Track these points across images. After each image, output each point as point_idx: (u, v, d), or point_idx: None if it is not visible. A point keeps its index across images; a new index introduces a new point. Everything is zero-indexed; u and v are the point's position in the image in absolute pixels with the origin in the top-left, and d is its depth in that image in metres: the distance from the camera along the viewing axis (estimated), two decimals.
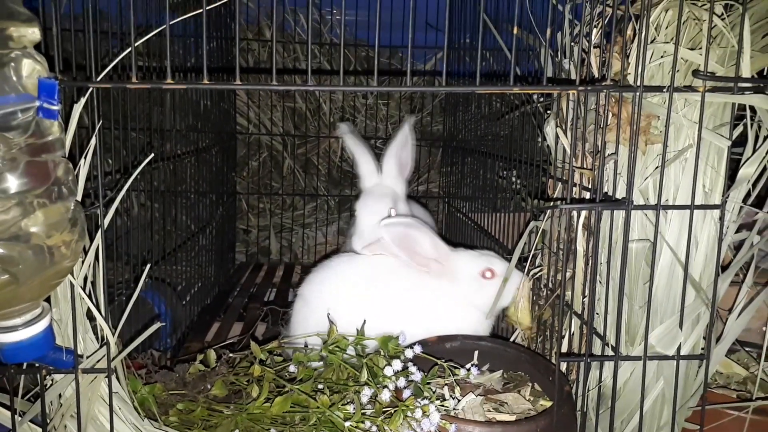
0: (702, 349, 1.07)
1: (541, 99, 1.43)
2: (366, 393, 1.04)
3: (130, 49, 0.89)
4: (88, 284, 0.99)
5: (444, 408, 1.05)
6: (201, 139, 1.91)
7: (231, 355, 1.24)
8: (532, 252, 1.34)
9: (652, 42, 1.06)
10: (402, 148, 1.63)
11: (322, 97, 2.51)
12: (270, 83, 0.91)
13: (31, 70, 0.78)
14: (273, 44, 0.87)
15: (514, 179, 1.75)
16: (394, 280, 1.39)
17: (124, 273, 1.33)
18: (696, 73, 0.95)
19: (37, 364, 0.96)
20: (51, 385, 1.00)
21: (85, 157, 0.93)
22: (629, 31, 1.07)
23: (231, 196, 2.45)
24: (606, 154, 1.04)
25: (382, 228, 1.31)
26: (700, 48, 1.02)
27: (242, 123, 2.51)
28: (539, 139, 1.56)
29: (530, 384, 1.23)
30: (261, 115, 2.51)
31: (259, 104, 2.50)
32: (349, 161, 2.57)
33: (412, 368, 1.11)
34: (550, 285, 1.28)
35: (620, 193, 1.08)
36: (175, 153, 1.65)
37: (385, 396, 1.01)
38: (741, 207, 1.04)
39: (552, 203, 1.17)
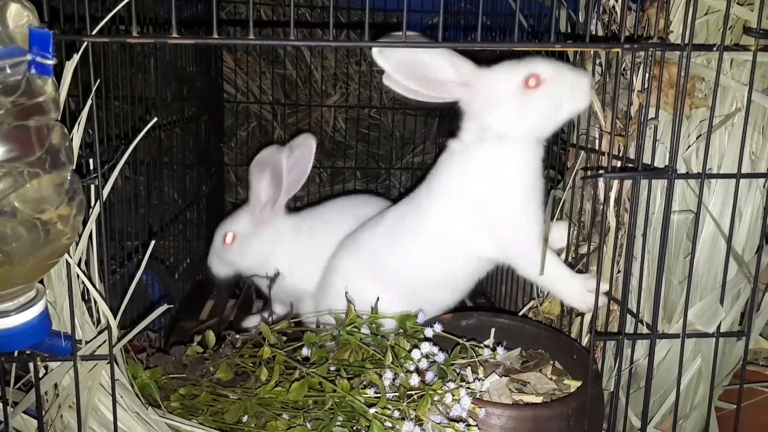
0: (740, 325, 1.02)
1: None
2: (388, 376, 0.98)
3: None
4: (83, 263, 0.90)
5: (471, 391, 0.99)
6: (186, 107, 1.79)
7: (237, 336, 1.16)
8: (553, 223, 1.27)
9: None
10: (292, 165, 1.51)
11: (314, 64, 2.40)
12: (288, 38, 0.82)
13: (20, 17, 0.67)
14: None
15: None
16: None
17: (117, 250, 1.23)
18: (748, 30, 0.89)
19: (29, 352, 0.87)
20: (45, 373, 0.91)
21: (79, 123, 0.84)
22: None
23: (219, 167, 2.34)
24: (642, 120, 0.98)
25: (376, 56, 1.00)
26: (749, 4, 0.95)
27: (229, 90, 2.39)
28: None
29: (551, 362, 1.18)
30: (249, 83, 2.39)
31: (247, 71, 2.38)
32: (342, 131, 2.47)
33: (434, 348, 1.04)
34: (571, 260, 1.22)
35: (655, 162, 1.02)
36: (162, 122, 1.53)
37: (414, 381, 0.95)
38: None
39: (591, 172, 1.10)
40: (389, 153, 2.48)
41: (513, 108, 1.09)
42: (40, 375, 0.90)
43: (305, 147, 1.54)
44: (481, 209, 1.14)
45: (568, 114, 1.09)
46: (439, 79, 1.07)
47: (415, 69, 1.04)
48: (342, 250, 1.38)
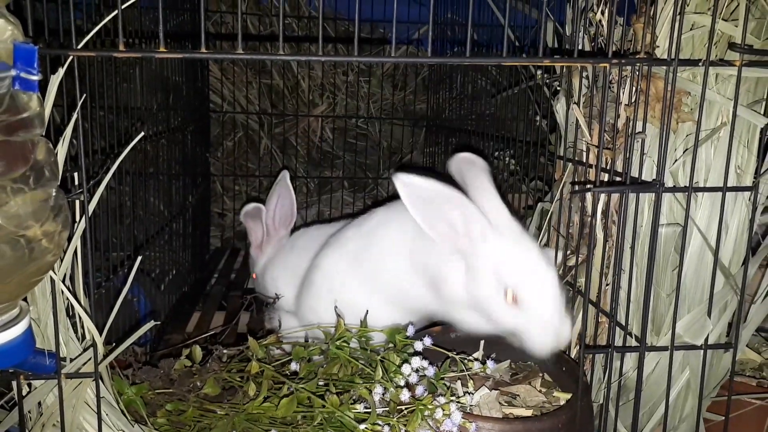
0: (727, 336, 1.02)
1: (546, 75, 1.37)
2: (378, 391, 0.97)
3: (116, 12, 0.78)
4: (67, 279, 0.88)
5: (461, 405, 0.98)
6: (173, 117, 1.78)
7: (225, 351, 1.15)
8: (540, 237, 1.28)
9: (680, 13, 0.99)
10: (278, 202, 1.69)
11: (301, 74, 2.39)
12: (277, 53, 0.82)
13: (3, 32, 0.66)
14: (281, 9, 0.77)
15: (508, 160, 1.69)
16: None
17: (102, 262, 1.21)
18: (733, 45, 0.89)
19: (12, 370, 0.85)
20: (29, 391, 0.89)
21: (64, 138, 0.82)
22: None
23: (205, 178, 2.32)
24: (629, 133, 0.98)
25: (400, 188, 0.96)
26: (734, 20, 0.96)
27: (215, 100, 2.38)
28: (537, 117, 1.50)
29: (540, 375, 1.18)
30: (236, 92, 2.38)
31: (234, 81, 2.37)
32: (329, 141, 2.47)
33: (424, 363, 1.04)
34: (559, 273, 1.22)
35: (642, 175, 1.02)
36: (147, 133, 1.52)
37: (404, 396, 0.94)
38: None
39: (579, 185, 1.10)
40: (377, 163, 2.48)
41: (482, 303, 1.03)
42: (24, 393, 0.88)
43: (282, 184, 1.70)
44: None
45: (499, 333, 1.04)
46: (450, 225, 1.00)
47: (432, 210, 0.98)
48: (325, 248, 1.36)
